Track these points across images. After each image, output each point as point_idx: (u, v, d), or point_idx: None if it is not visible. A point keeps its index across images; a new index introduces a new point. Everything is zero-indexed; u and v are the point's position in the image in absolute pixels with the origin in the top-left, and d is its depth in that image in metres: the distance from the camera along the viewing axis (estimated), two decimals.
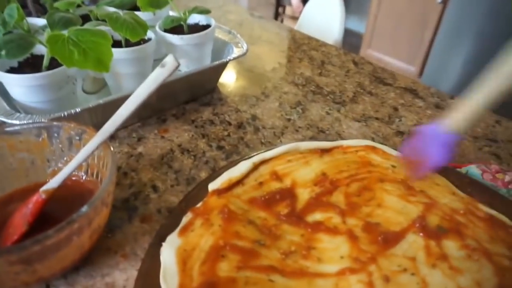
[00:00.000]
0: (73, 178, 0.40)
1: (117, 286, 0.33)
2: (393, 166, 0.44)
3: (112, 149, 0.36)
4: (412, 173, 0.42)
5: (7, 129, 0.39)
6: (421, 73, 2.23)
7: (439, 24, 2.03)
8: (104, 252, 0.37)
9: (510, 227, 0.37)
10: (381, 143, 0.48)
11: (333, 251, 0.34)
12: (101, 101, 0.49)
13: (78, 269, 0.35)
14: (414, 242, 0.35)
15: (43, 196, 0.35)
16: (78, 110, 0.47)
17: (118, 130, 0.37)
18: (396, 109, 0.64)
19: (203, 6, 0.64)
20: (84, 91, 0.63)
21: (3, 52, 0.45)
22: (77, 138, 0.40)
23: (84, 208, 0.30)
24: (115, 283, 0.34)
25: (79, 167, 0.37)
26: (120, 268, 0.35)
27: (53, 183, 0.36)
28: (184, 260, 0.33)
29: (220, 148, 0.52)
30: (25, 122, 0.43)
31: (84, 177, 0.40)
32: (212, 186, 0.41)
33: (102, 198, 0.31)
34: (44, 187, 0.36)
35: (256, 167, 0.44)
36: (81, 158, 0.36)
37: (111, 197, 0.35)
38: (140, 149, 0.51)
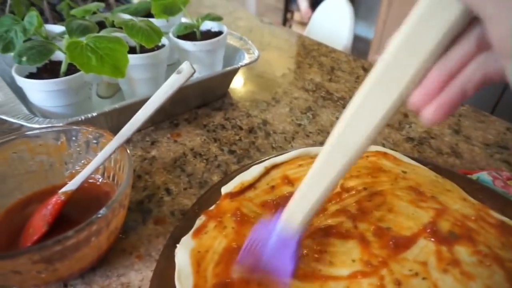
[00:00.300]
0: (90, 181, 0.41)
1: (132, 286, 0.34)
2: (404, 172, 0.45)
3: (128, 152, 0.37)
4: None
5: (28, 132, 0.40)
6: None
7: None
8: (119, 253, 0.38)
9: None
10: (392, 149, 0.49)
11: (345, 255, 0.35)
12: (117, 106, 0.50)
13: (95, 269, 0.36)
14: (425, 247, 0.35)
15: (62, 197, 0.37)
16: (94, 114, 0.48)
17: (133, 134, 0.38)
18: (406, 115, 0.64)
19: (214, 12, 0.65)
20: (98, 95, 0.64)
21: (24, 58, 0.46)
22: (95, 141, 0.41)
23: (103, 210, 0.31)
24: (130, 283, 0.35)
25: (96, 170, 0.38)
26: (135, 268, 0.36)
27: (72, 185, 0.37)
28: (198, 261, 0.34)
29: (231, 152, 0.53)
30: (44, 126, 0.44)
31: (100, 180, 0.42)
32: (224, 189, 0.41)
33: (119, 201, 0.32)
34: (63, 189, 0.37)
35: (267, 171, 0.44)
36: (99, 161, 0.37)
37: (128, 199, 0.36)
38: (153, 152, 0.52)
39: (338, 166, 0.28)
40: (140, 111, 0.38)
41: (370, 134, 0.25)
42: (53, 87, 0.48)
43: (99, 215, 0.30)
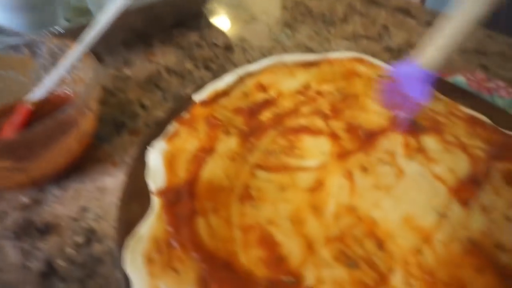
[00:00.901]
0: (61, 95, 0.40)
1: (107, 189, 0.35)
2: (380, 76, 0.44)
3: (94, 58, 0.36)
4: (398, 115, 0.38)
5: None
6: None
7: None
8: (94, 162, 0.38)
9: (489, 125, 0.38)
10: None
11: (315, 148, 0.35)
12: (84, 22, 0.48)
13: (69, 175, 0.36)
14: (393, 139, 0.36)
15: (30, 106, 0.36)
16: (61, 30, 0.46)
17: (98, 43, 0.36)
18: (386, 28, 0.62)
19: None
20: (66, 20, 0.61)
21: None
22: (60, 52, 0.39)
23: (67, 108, 0.30)
24: (105, 186, 0.35)
25: (65, 81, 0.37)
26: (110, 174, 0.36)
27: (39, 93, 0.36)
28: (170, 161, 0.34)
29: (208, 68, 0.52)
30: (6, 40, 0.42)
31: (70, 93, 0.41)
32: (197, 97, 0.41)
33: (85, 100, 0.32)
34: (31, 98, 0.36)
35: (241, 80, 0.44)
36: (65, 66, 0.36)
37: (95, 102, 0.36)
38: (127, 72, 0.51)
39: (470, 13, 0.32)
40: (102, 16, 0.36)
41: None
42: (13, 2, 0.46)
43: (64, 112, 0.30)
